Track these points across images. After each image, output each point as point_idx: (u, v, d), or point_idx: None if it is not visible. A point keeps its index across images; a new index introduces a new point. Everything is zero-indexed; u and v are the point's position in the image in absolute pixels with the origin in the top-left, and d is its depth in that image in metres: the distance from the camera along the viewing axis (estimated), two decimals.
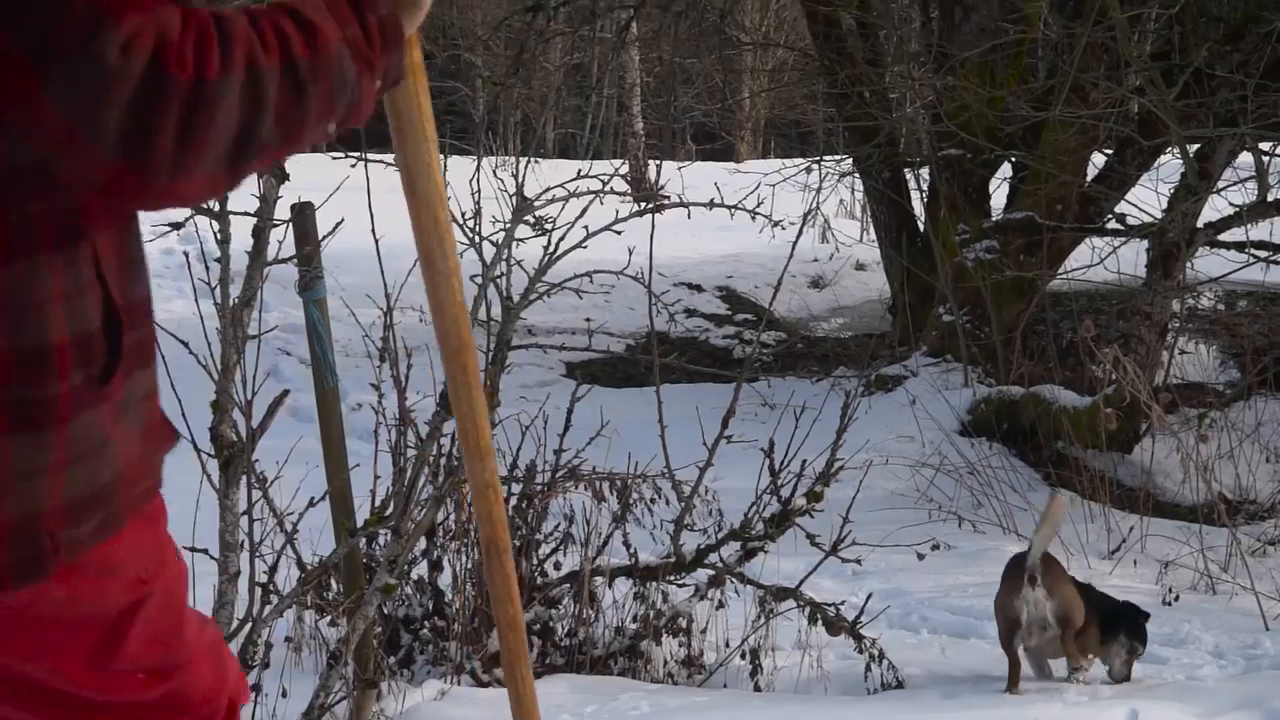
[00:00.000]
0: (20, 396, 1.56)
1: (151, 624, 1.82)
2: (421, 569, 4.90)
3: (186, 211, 3.44)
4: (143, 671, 1.84)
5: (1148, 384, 8.02)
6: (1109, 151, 10.43)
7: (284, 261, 3.85)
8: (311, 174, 5.52)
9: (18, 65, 1.45)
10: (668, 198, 4.99)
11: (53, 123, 1.47)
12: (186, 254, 3.70)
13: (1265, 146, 8.78)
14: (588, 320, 13.03)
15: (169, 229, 3.51)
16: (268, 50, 1.58)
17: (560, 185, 4.57)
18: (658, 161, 21.39)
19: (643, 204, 4.70)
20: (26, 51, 1.45)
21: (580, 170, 4.70)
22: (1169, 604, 6.15)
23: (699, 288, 14.72)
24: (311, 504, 4.21)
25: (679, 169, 19.03)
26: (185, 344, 3.54)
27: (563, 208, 4.57)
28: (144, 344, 1.77)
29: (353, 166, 4.61)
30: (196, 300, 3.84)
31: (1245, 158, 9.11)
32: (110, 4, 1.47)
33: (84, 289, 1.60)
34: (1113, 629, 5.12)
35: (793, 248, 5.57)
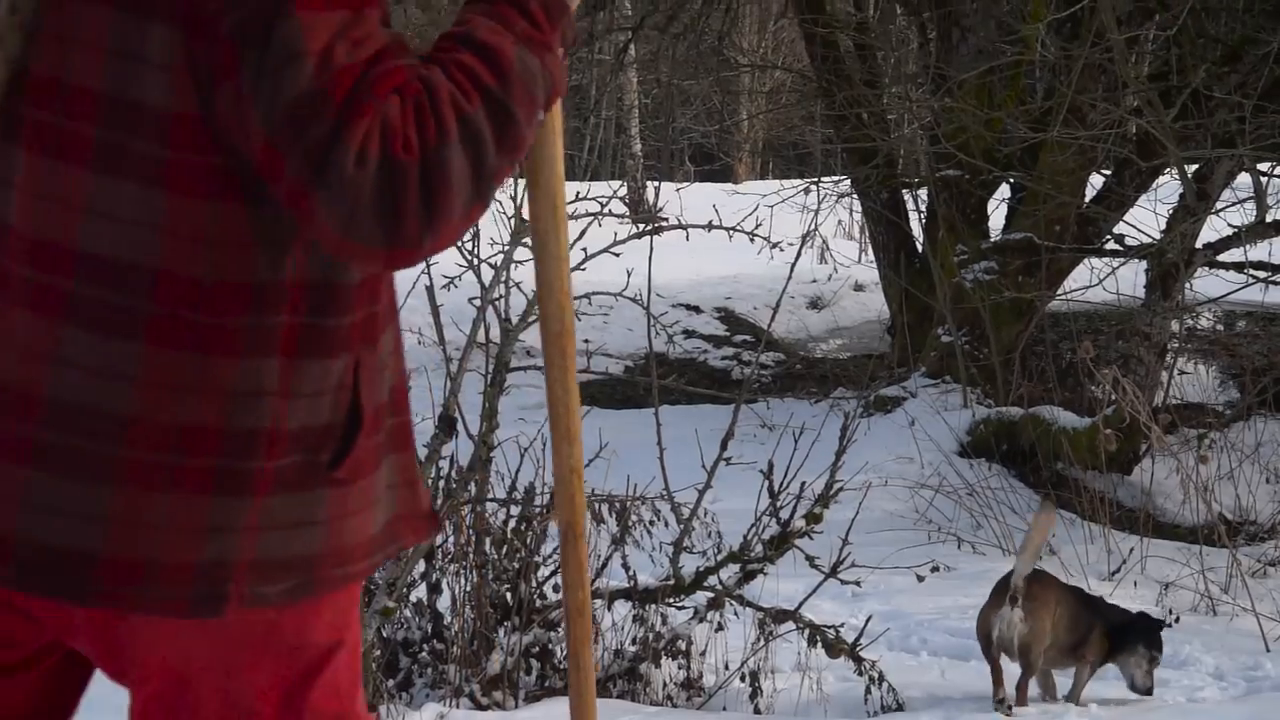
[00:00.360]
0: (221, 465, 1.81)
1: (338, 674, 1.99)
2: (420, 592, 4.89)
3: None
4: None
5: (1147, 405, 8.01)
6: (1107, 172, 10.44)
7: None
8: None
9: (300, 188, 1.71)
10: (666, 220, 5.00)
11: (329, 233, 1.74)
12: None
13: (1263, 167, 8.80)
14: (586, 341, 13.01)
15: None
16: (467, 95, 1.76)
17: None
18: (656, 183, 21.41)
19: (641, 226, 4.69)
20: (298, 173, 1.70)
21: (578, 193, 4.71)
22: (1169, 625, 6.14)
23: (697, 309, 14.72)
24: None
25: (677, 190, 19.02)
26: None
27: None
28: (399, 431, 1.99)
29: None
30: None
31: (1244, 178, 9.12)
32: (344, 115, 1.69)
33: (323, 391, 1.86)
34: (1130, 640, 5.12)
35: (791, 269, 5.57)
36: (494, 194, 1.84)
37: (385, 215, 1.71)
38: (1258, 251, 9.44)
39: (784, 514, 5.04)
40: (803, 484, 5.06)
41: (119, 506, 1.79)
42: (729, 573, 5.06)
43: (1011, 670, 5.02)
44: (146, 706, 1.94)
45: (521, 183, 5.20)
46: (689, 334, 13.89)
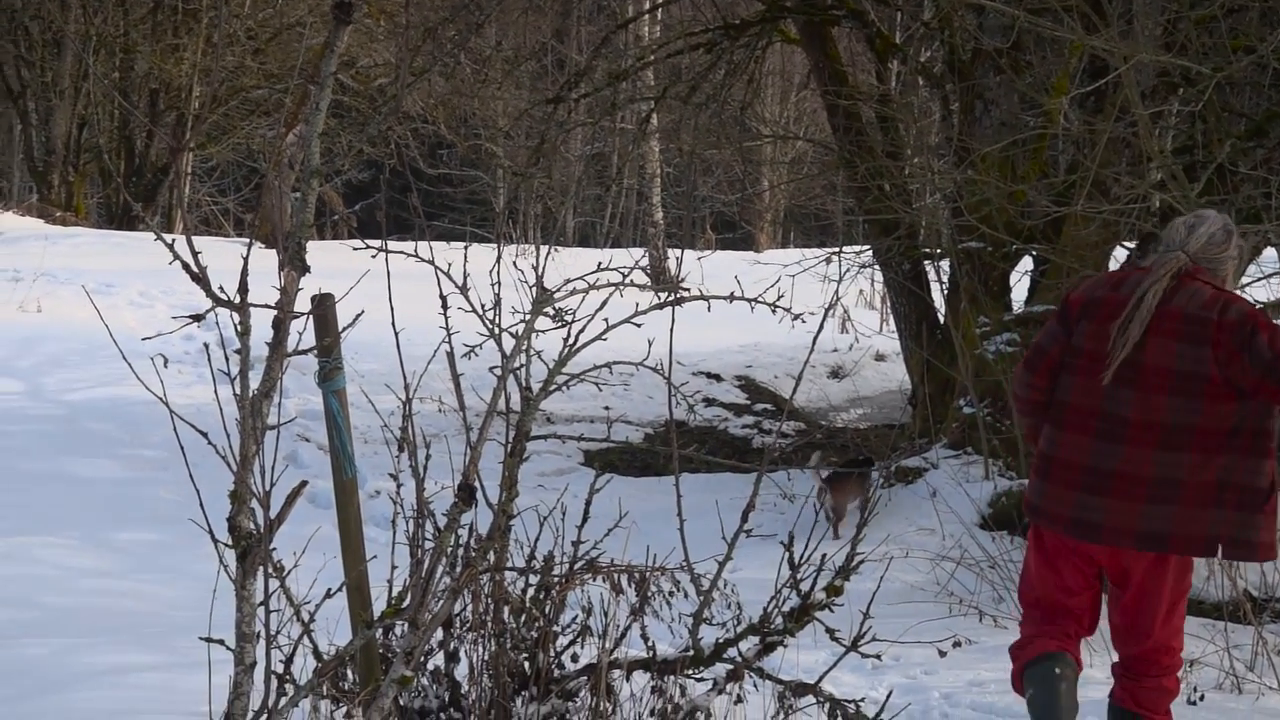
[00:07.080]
0: (1219, 496, 4.74)
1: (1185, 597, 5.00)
2: (438, 660, 4.86)
3: (207, 303, 3.45)
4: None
5: None
6: (1131, 245, 10.43)
7: (304, 353, 3.84)
8: (332, 262, 5.53)
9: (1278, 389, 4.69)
10: (688, 290, 4.99)
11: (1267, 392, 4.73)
12: (206, 344, 3.68)
13: None
14: (607, 409, 13.01)
15: (190, 320, 3.51)
16: None
17: (580, 277, 4.57)
18: (678, 251, 21.46)
19: (663, 296, 4.68)
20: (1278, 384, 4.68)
21: (600, 263, 4.70)
22: (1194, 704, 6.07)
23: (718, 377, 14.72)
24: (329, 595, 4.18)
25: (699, 259, 19.07)
26: (204, 434, 3.53)
27: (582, 299, 4.57)
28: None
29: (373, 257, 4.60)
30: (215, 389, 3.83)
31: (1270, 253, 9.08)
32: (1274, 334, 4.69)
33: (1256, 472, 4.75)
34: None
35: (813, 342, 5.55)
36: None
37: None
38: None
39: (804, 586, 5.00)
40: (823, 555, 5.03)
41: (1179, 515, 4.71)
42: (748, 645, 5.02)
43: None
44: (1133, 597, 4.90)
45: (544, 254, 5.21)
46: (709, 402, 13.88)
